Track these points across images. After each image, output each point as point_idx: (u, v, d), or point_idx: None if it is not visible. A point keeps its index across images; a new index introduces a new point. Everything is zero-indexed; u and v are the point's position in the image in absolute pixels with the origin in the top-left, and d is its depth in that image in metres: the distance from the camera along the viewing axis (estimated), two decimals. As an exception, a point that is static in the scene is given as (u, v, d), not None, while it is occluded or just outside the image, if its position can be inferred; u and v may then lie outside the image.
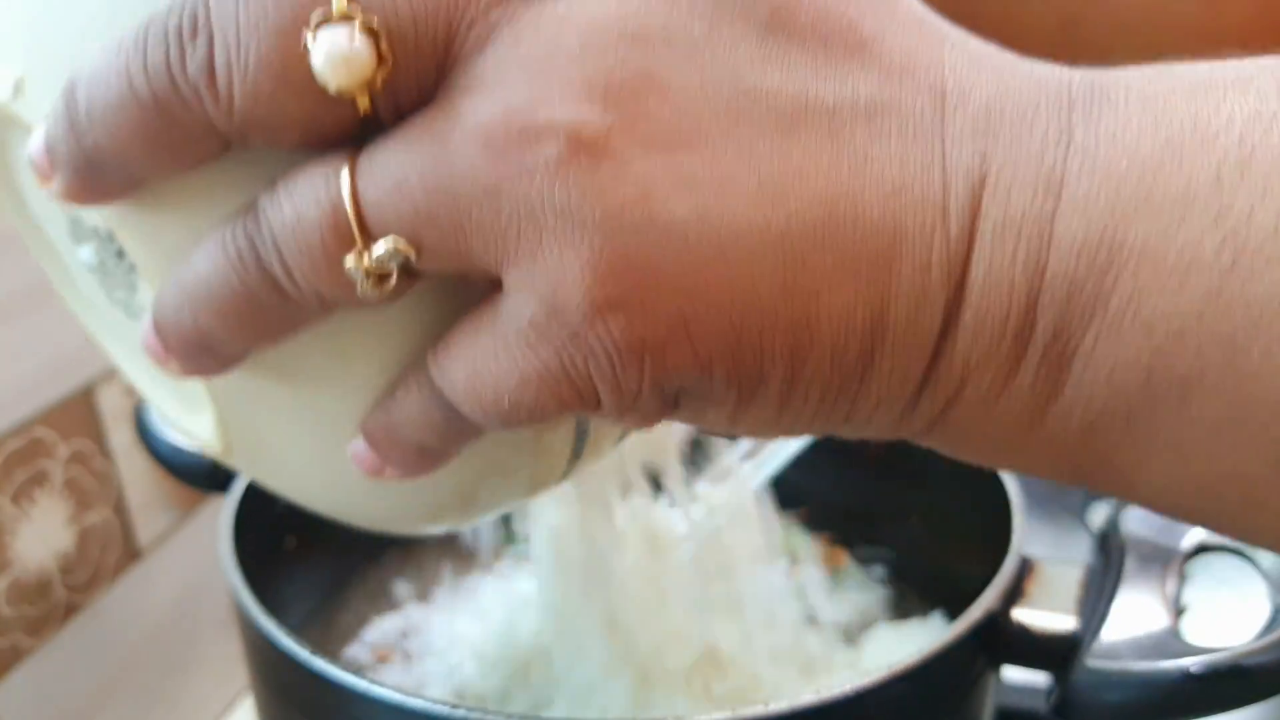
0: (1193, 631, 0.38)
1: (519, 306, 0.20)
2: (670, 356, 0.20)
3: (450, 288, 0.22)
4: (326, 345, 0.24)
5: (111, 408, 0.59)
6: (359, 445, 0.24)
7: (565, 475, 0.29)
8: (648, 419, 0.22)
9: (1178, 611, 0.40)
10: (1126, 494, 0.23)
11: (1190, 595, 0.41)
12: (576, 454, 0.29)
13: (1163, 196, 0.19)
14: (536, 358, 0.20)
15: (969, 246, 0.20)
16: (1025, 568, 0.42)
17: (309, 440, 0.26)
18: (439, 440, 0.24)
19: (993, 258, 0.20)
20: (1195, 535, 0.42)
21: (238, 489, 0.48)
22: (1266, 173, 0.18)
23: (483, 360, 0.21)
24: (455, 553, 0.61)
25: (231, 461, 0.29)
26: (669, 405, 0.22)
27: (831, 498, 0.61)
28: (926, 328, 0.20)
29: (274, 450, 0.28)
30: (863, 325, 0.20)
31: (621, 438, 0.31)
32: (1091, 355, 0.20)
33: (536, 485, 0.29)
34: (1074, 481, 0.23)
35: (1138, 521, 0.43)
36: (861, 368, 0.21)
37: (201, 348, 0.23)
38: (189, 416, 0.29)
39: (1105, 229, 0.19)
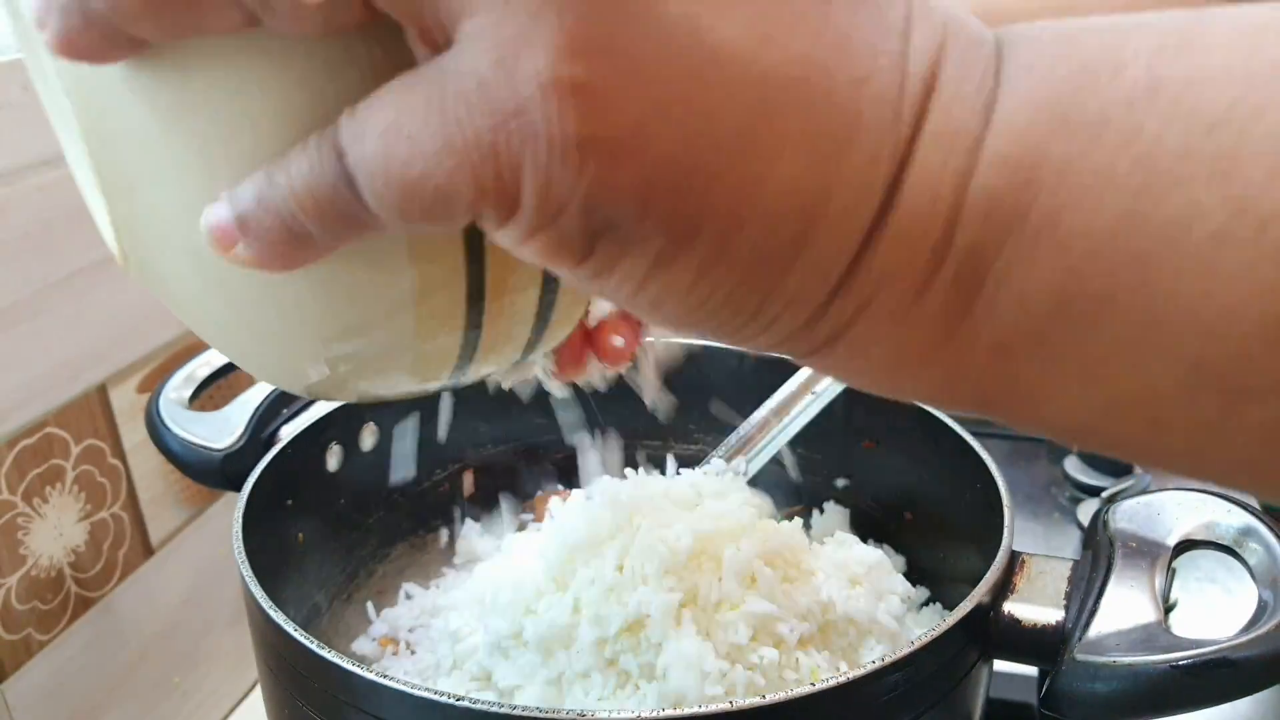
0: (1180, 626, 0.39)
1: (469, 60, 0.18)
2: (615, 171, 0.19)
3: (388, 61, 0.20)
4: (235, 83, 0.21)
5: (123, 407, 0.59)
6: (219, 208, 0.21)
7: (453, 377, 0.29)
8: (557, 251, 0.20)
9: (1166, 606, 0.40)
10: (1027, 418, 0.22)
11: (1178, 590, 0.42)
12: (466, 355, 0.28)
13: (1079, 119, 0.19)
14: (470, 124, 0.18)
15: (910, 150, 0.20)
16: (1015, 562, 0.43)
17: (186, 217, 0.23)
18: (314, 220, 0.21)
19: (926, 163, 0.20)
20: (1183, 531, 0.43)
21: (248, 486, 0.49)
22: (1174, 99, 0.19)
23: (407, 116, 0.19)
24: (459, 550, 0.62)
25: (130, 271, 0.28)
26: (585, 243, 0.20)
27: (826, 495, 0.62)
28: (858, 223, 0.21)
29: (156, 241, 0.26)
30: (805, 203, 0.20)
31: (511, 371, 0.29)
32: (1006, 275, 0.20)
33: (422, 372, 0.28)
34: (970, 407, 0.23)
35: (1126, 518, 0.43)
36: (790, 251, 0.21)
37: (101, 12, 0.20)
38: (102, 218, 0.29)
39: (1026, 147, 0.20)
